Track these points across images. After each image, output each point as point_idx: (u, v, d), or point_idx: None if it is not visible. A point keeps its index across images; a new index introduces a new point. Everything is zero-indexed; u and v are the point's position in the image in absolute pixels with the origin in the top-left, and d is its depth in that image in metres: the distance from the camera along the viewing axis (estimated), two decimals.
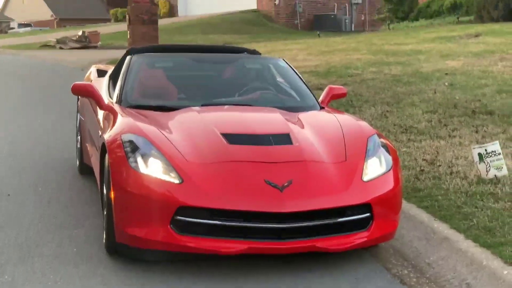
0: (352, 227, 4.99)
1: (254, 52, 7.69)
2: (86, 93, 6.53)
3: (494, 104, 10.06)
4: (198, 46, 8.77)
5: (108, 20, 50.72)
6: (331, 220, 4.90)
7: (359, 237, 4.99)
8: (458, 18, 25.69)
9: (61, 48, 29.21)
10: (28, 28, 60.78)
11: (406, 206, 5.91)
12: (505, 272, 4.59)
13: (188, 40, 28.05)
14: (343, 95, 7.07)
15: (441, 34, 19.79)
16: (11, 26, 67.38)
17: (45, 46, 30.28)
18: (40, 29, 56.20)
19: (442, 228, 5.46)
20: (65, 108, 11.78)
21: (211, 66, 7.05)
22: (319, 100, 6.66)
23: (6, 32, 60.72)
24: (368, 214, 5.01)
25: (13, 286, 4.64)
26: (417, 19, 28.39)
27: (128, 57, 7.00)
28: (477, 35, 18.56)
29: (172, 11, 44.39)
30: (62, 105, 12.50)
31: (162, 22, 29.02)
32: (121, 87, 6.45)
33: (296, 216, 4.77)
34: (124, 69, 6.73)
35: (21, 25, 65.16)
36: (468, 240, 5.15)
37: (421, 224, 5.66)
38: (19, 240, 5.54)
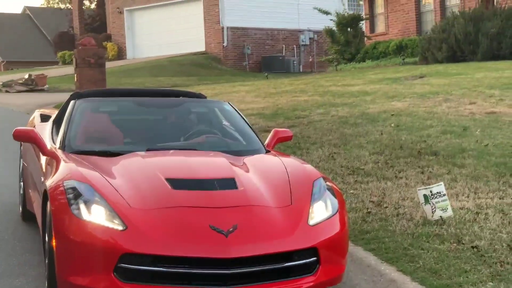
0: (299, 271, 4.95)
1: (199, 96, 7.68)
2: (29, 138, 6.41)
3: (439, 144, 10.18)
4: (143, 90, 8.75)
5: (56, 63, 50.37)
6: (277, 265, 4.86)
7: (306, 282, 4.96)
8: (403, 59, 26.09)
9: (7, 91, 28.82)
10: None
11: (353, 249, 5.91)
12: None
13: (137, 82, 27.96)
14: (289, 138, 7.07)
15: (387, 75, 20.04)
16: None
17: None
18: None
19: (389, 270, 5.48)
20: (8, 153, 11.58)
21: (156, 110, 7.02)
22: (265, 143, 6.66)
23: None
24: (314, 258, 4.98)
25: None
26: (364, 60, 28.75)
27: (72, 102, 6.94)
28: (422, 76, 18.84)
29: (120, 54, 44.30)
30: (6, 150, 12.29)
31: (110, 64, 28.96)
32: (64, 132, 6.37)
33: (242, 261, 4.72)
34: (68, 114, 6.65)
35: None
36: (414, 283, 5.17)
37: (368, 267, 5.66)
38: None
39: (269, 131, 11.24)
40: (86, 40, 21.34)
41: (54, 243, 4.91)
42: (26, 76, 29.73)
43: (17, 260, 6.21)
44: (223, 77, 31.65)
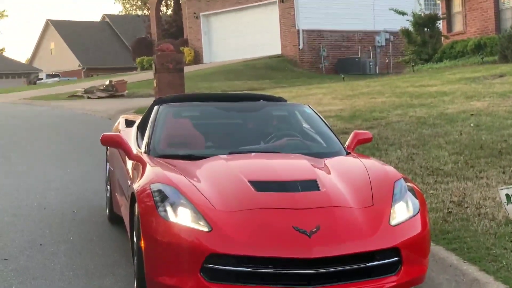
0: (381, 271, 4.99)
1: (279, 99, 7.77)
2: (115, 143, 6.63)
3: None
4: (224, 95, 8.89)
5: (134, 69, 51.26)
6: (360, 265, 4.91)
7: (389, 282, 4.99)
8: (482, 58, 25.68)
9: (88, 97, 29.53)
10: (56, 79, 61.57)
11: (435, 249, 5.90)
12: None
13: (214, 86, 28.26)
14: (368, 139, 7.09)
15: (466, 75, 19.78)
16: (40, 76, 68.33)
17: (73, 96, 30.62)
18: (68, 79, 56.97)
19: (472, 270, 5.45)
20: (94, 158, 11.92)
21: (237, 114, 7.14)
22: (345, 145, 6.71)
23: (34, 83, 61.50)
24: (397, 258, 5.01)
25: None
26: (441, 60, 28.39)
27: (155, 107, 7.11)
28: (501, 75, 18.53)
29: (197, 59, 44.82)
30: (91, 155, 12.65)
31: (187, 69, 29.30)
32: (149, 137, 6.55)
33: (325, 261, 4.79)
34: (152, 119, 6.83)
35: (49, 76, 66.00)
36: (498, 282, 5.14)
37: (450, 266, 5.65)
38: None
39: (347, 133, 11.29)
40: (165, 46, 21.64)
41: (142, 244, 5.07)
42: (107, 83, 30.40)
43: (105, 261, 6.41)
44: (299, 80, 31.71)
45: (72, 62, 73.67)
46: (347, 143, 6.85)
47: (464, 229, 6.43)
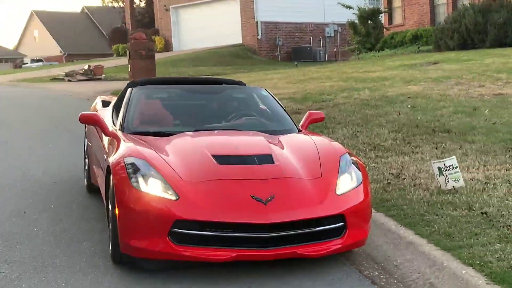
0: (328, 235, 5.02)
1: (239, 83, 7.74)
2: (92, 121, 6.54)
3: (451, 123, 10.14)
4: (190, 79, 8.81)
5: (111, 55, 50.59)
6: (309, 229, 4.93)
7: (335, 244, 5.02)
8: (419, 48, 25.85)
9: (69, 80, 29.13)
10: (40, 63, 60.60)
11: (376, 215, 5.94)
12: (464, 271, 4.62)
13: (181, 71, 28.05)
14: (321, 119, 7.07)
15: (404, 62, 19.90)
16: (25, 61, 67.19)
17: (55, 79, 30.18)
18: (50, 64, 56.06)
19: (408, 234, 5.50)
20: (73, 134, 11.77)
21: (201, 96, 7.08)
22: (299, 124, 6.71)
23: (20, 67, 60.52)
24: (342, 224, 5.05)
25: None
26: (382, 49, 28.51)
27: (129, 89, 7.05)
28: (435, 63, 18.68)
29: (167, 47, 44.40)
30: (71, 131, 12.49)
31: (158, 56, 29.07)
32: (123, 116, 6.48)
33: (279, 226, 4.80)
34: (126, 100, 6.76)
35: (33, 61, 64.93)
36: (430, 244, 5.18)
37: (389, 231, 5.69)
38: (34, 253, 5.54)
39: (299, 113, 11.30)
40: (138, 35, 21.43)
41: (117, 212, 5.02)
42: (86, 67, 30.01)
43: (83, 227, 6.35)
44: (258, 66, 31.63)
45: (54, 49, 72.61)
46: (301, 121, 6.83)
47: (401, 198, 6.48)
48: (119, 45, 47.62)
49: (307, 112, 7.02)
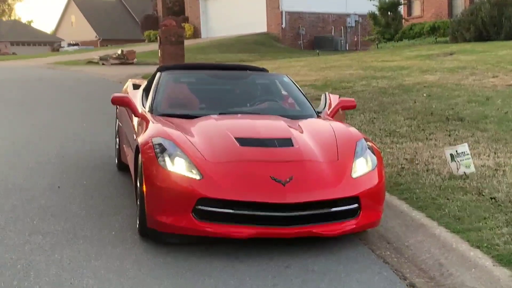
0: (343, 216, 5.02)
1: (262, 70, 7.73)
2: (123, 103, 6.58)
3: (464, 112, 10.06)
4: (216, 65, 8.82)
5: (143, 41, 50.72)
6: (325, 210, 4.93)
7: (349, 225, 5.02)
8: (436, 39, 25.62)
9: (103, 64, 29.29)
10: (76, 47, 60.93)
11: (389, 198, 5.93)
12: (472, 253, 4.61)
13: (209, 58, 28.07)
14: (353, 107, 6.85)
15: (422, 53, 19.73)
16: (62, 45, 67.58)
17: (90, 62, 30.36)
18: (86, 48, 56.37)
19: (419, 216, 5.48)
20: (106, 115, 11.85)
21: (226, 81, 7.09)
22: (329, 110, 6.64)
23: (57, 50, 60.90)
24: (356, 205, 5.04)
25: (61, 264, 4.70)
26: (401, 40, 28.32)
27: (158, 74, 7.07)
28: (451, 54, 18.50)
29: (196, 33, 44.44)
30: (103, 112, 12.56)
31: (187, 42, 29.08)
32: (152, 98, 6.51)
33: (296, 206, 4.81)
34: (155, 84, 6.79)
35: (70, 45, 65.29)
36: (440, 227, 5.17)
37: (401, 213, 5.68)
38: (67, 225, 5.60)
39: (319, 99, 11.25)
40: (168, 22, 21.44)
41: (144, 189, 5.06)
42: (119, 52, 30.14)
43: (113, 202, 6.40)
44: (281, 54, 31.55)
45: (89, 34, 72.99)
46: (332, 107, 6.70)
47: (414, 182, 6.46)
48: (151, 31, 47.76)
49: (339, 99, 6.92)
